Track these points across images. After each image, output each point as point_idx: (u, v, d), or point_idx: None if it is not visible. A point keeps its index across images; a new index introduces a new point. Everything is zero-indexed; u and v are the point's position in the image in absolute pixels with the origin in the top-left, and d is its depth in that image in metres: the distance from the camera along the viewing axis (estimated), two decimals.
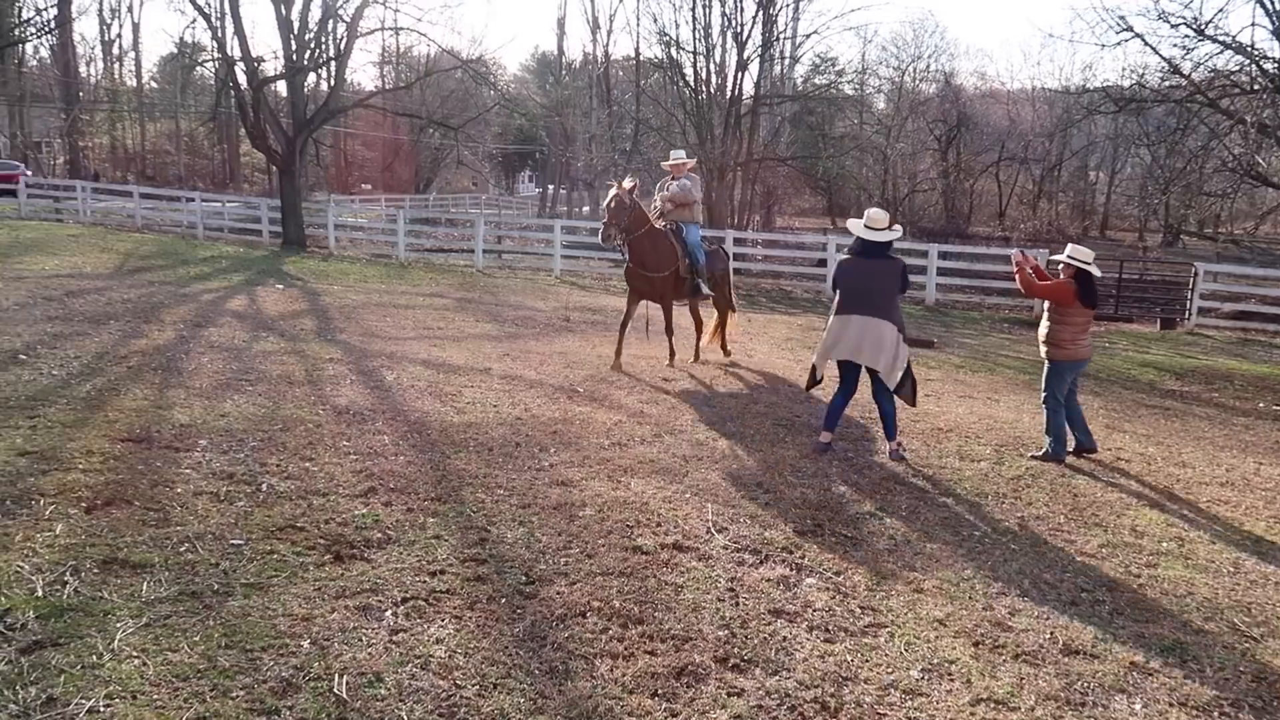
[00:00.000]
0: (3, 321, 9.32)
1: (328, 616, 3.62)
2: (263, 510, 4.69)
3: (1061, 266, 6.94)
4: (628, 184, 9.18)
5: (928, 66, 46.27)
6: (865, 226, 6.55)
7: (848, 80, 42.64)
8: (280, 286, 15.01)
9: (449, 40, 69.90)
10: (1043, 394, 7.05)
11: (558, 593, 4.02)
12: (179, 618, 3.51)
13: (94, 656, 3.18)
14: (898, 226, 6.88)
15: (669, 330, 9.68)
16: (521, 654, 3.48)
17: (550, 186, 55.09)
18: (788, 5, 31.71)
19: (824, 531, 5.09)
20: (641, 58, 41.43)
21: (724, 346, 10.47)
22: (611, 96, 44.10)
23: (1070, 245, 7.01)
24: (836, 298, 6.70)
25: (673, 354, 9.76)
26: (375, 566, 4.14)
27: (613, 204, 8.99)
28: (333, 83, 25.40)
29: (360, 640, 3.46)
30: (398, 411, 6.94)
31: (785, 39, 34.98)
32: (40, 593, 3.60)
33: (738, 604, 4.09)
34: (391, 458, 5.76)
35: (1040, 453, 6.96)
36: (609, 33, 52.21)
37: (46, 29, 39.48)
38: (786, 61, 38.16)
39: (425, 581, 4.02)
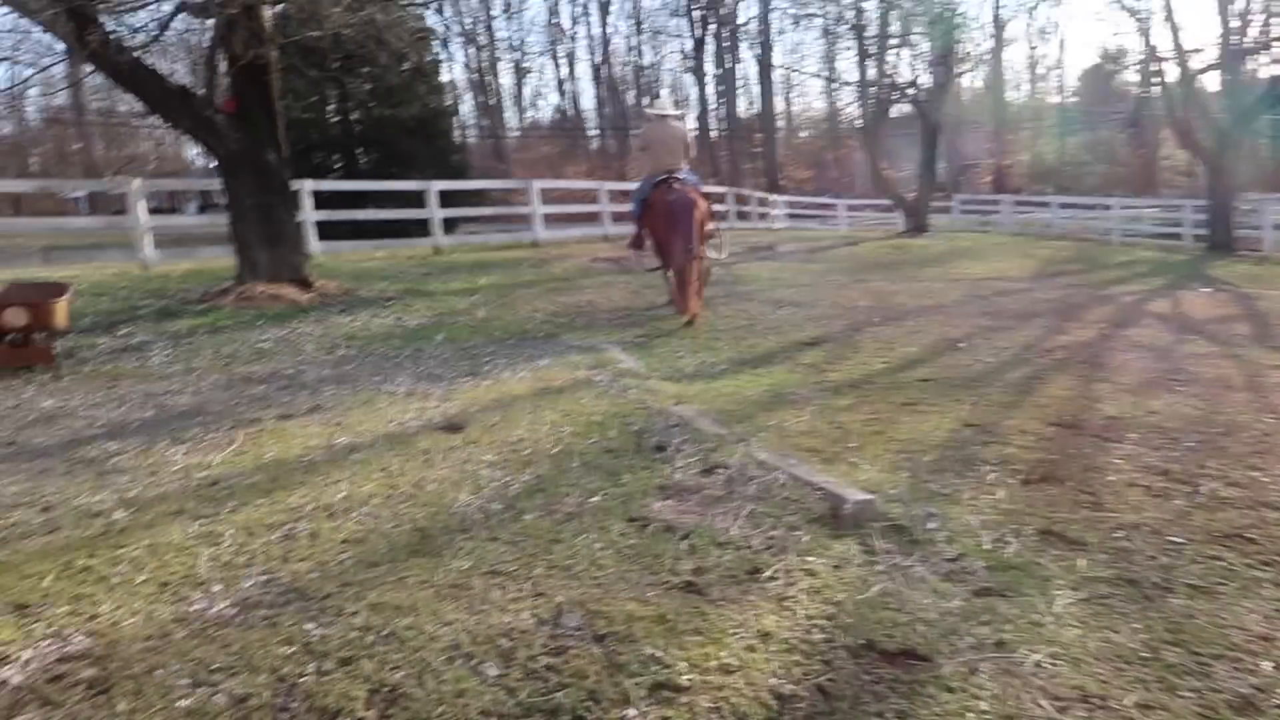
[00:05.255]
0: (946, 315, 10.52)
1: None
2: (1203, 513, 4.28)
3: None
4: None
5: None
6: None
7: None
8: (1207, 290, 13.83)
9: None
10: None
11: None
12: (1116, 601, 3.40)
13: (1035, 615, 3.27)
14: None
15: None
16: None
17: None
18: None
19: None
20: None
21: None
22: None
23: None
24: None
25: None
26: None
27: None
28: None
29: None
30: None
31: None
32: (987, 546, 3.88)
33: None
34: None
35: None
36: None
37: (982, 60, 43.53)
38: None
39: None
